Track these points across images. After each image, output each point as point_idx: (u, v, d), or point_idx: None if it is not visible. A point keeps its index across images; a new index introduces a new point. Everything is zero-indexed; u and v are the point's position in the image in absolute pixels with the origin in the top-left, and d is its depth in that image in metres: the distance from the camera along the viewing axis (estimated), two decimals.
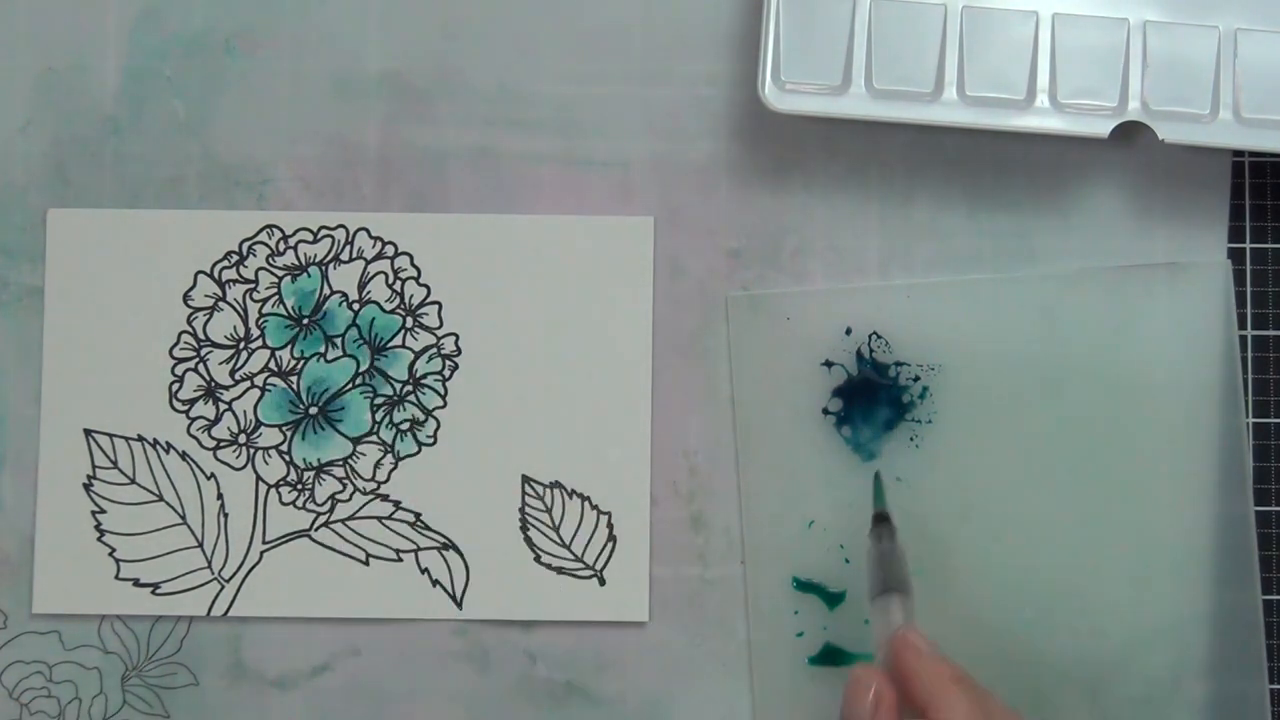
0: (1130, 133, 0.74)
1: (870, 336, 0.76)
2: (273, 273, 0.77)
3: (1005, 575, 0.75)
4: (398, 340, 0.77)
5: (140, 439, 0.76)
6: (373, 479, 0.76)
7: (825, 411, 0.76)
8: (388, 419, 0.77)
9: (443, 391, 0.77)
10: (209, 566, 0.76)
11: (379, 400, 0.77)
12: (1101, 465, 0.75)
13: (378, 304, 0.77)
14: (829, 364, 0.76)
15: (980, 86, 0.74)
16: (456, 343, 0.77)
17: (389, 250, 0.77)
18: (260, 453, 0.76)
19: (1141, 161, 0.77)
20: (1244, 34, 0.74)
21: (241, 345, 0.77)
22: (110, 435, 0.76)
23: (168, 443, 0.76)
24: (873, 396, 0.76)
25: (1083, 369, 0.75)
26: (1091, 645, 0.75)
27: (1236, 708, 0.75)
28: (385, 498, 0.76)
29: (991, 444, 0.76)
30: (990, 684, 0.74)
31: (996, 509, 0.75)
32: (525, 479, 0.76)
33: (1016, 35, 0.74)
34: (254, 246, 0.77)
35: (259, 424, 0.76)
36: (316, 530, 0.76)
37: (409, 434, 0.76)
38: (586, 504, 0.76)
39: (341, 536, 0.76)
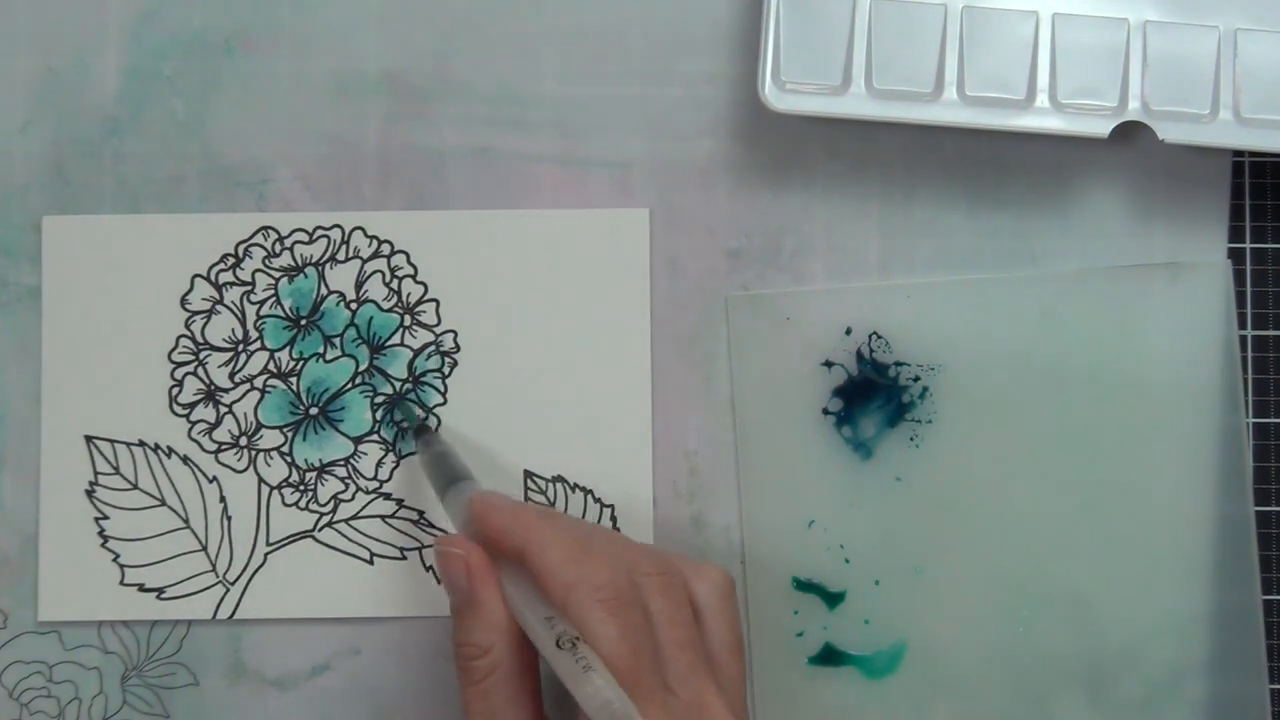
0: (1130, 133, 0.74)
1: (870, 336, 0.76)
2: (269, 274, 0.77)
3: (1005, 575, 0.75)
4: (396, 338, 0.77)
5: (141, 444, 0.76)
6: (375, 478, 0.76)
7: (825, 411, 0.76)
8: (388, 418, 0.76)
9: (443, 389, 0.77)
10: (213, 570, 0.76)
11: (379, 399, 0.76)
12: (1101, 465, 0.75)
13: (375, 303, 0.77)
14: (829, 364, 0.76)
15: (980, 86, 0.74)
16: (455, 339, 0.77)
17: (385, 249, 0.77)
18: (262, 454, 0.76)
19: (1141, 161, 0.77)
20: (1244, 34, 0.73)
21: (240, 348, 0.77)
22: (111, 441, 0.76)
23: (169, 447, 0.76)
24: (873, 396, 0.76)
25: (1083, 369, 0.75)
26: (1091, 645, 0.75)
27: (1236, 708, 0.75)
28: (388, 496, 0.76)
29: (991, 444, 0.76)
30: (990, 684, 0.75)
31: (996, 509, 0.75)
32: (527, 474, 0.76)
33: (1016, 35, 0.74)
34: (250, 249, 0.77)
35: (260, 426, 0.76)
36: (320, 531, 0.76)
37: (410, 432, 0.76)
38: (589, 497, 0.76)
39: (345, 536, 0.76)
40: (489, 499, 0.68)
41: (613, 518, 0.76)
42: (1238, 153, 0.77)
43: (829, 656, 0.76)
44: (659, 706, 0.63)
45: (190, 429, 0.76)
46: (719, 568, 0.69)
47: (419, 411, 0.76)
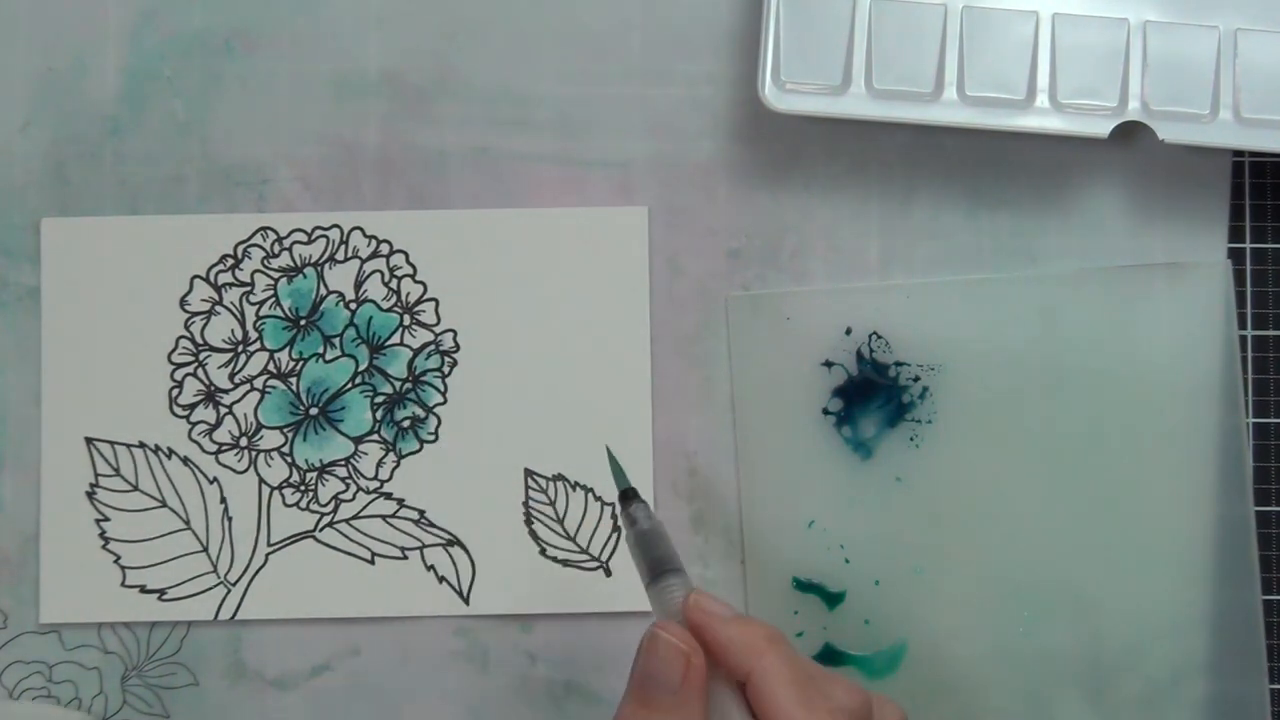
0: (1130, 133, 0.74)
1: (870, 336, 0.76)
2: (268, 275, 0.77)
3: (1005, 575, 0.75)
4: (396, 338, 0.77)
5: (142, 445, 0.76)
6: (375, 478, 0.76)
7: (825, 411, 0.76)
8: (388, 417, 0.77)
9: (442, 388, 0.77)
10: (215, 571, 0.76)
11: (379, 399, 0.77)
12: (1101, 465, 0.75)
13: (374, 303, 0.77)
14: (829, 364, 0.76)
15: (980, 86, 0.74)
16: (455, 339, 0.77)
17: (384, 249, 0.77)
18: (262, 455, 0.76)
19: (1141, 161, 0.77)
20: (1244, 34, 0.74)
21: (240, 348, 0.77)
22: (111, 443, 0.76)
23: (169, 448, 0.76)
24: (873, 396, 0.76)
25: (1083, 369, 0.75)
26: (1091, 645, 0.75)
27: (1236, 708, 0.75)
28: (388, 496, 0.76)
29: (991, 444, 0.76)
30: (990, 684, 0.75)
31: (996, 509, 0.75)
32: (528, 472, 0.76)
33: (1016, 35, 0.74)
34: (249, 249, 0.77)
35: (260, 426, 0.76)
36: (321, 531, 0.76)
37: (410, 431, 0.76)
38: (590, 495, 0.76)
39: (346, 536, 0.76)
40: (705, 605, 0.64)
41: (613, 516, 0.76)
42: (1238, 153, 0.77)
43: (829, 656, 0.76)
44: None
45: (190, 430, 0.76)
46: (898, 708, 0.65)
47: (627, 475, 0.70)
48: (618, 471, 0.69)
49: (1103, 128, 0.73)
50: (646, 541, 0.66)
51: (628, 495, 0.68)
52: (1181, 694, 0.75)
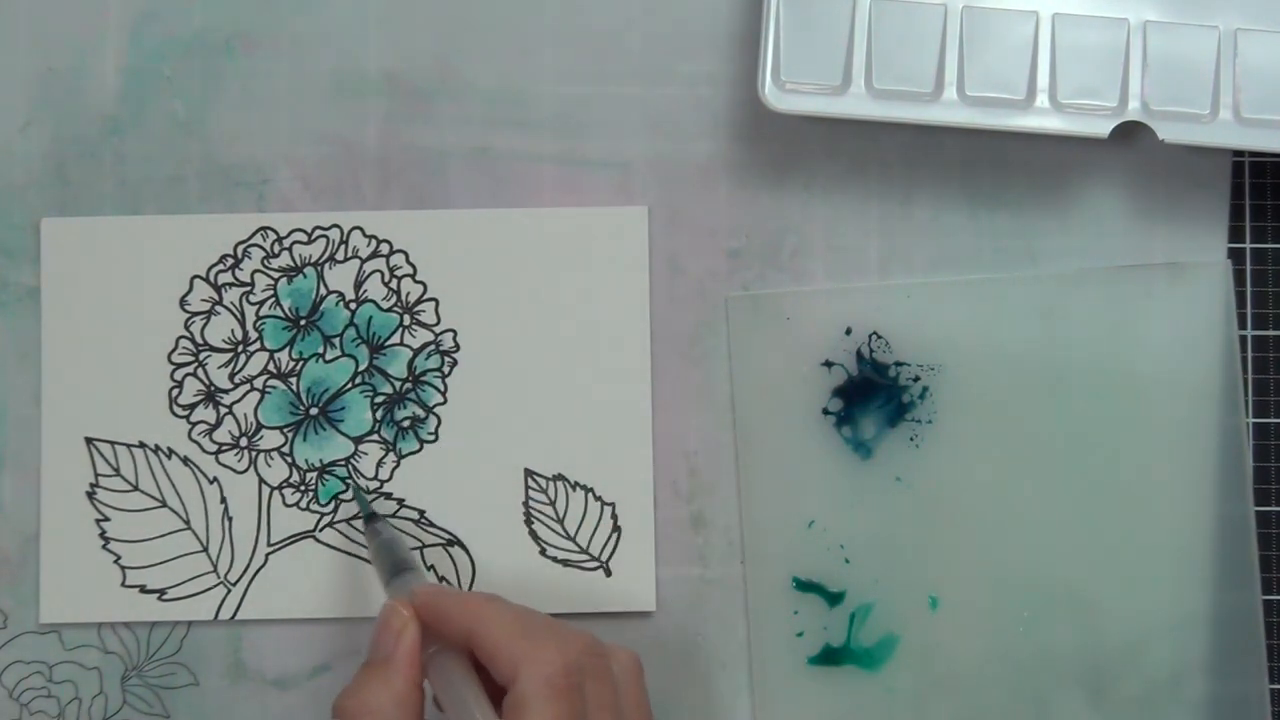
0: (1130, 133, 0.74)
1: (870, 336, 0.76)
2: (268, 275, 0.77)
3: (1005, 575, 0.75)
4: (396, 338, 0.77)
5: (142, 445, 0.76)
6: (375, 478, 0.76)
7: (825, 411, 0.76)
8: (388, 417, 0.77)
9: (442, 388, 0.77)
10: (215, 571, 0.76)
11: (379, 399, 0.76)
12: (1101, 465, 0.75)
13: (374, 302, 0.77)
14: (829, 364, 0.76)
15: (980, 86, 0.74)
16: (455, 339, 0.77)
17: (384, 248, 0.77)
18: (262, 455, 0.76)
19: (1141, 161, 0.77)
20: (1244, 34, 0.73)
21: (240, 348, 0.77)
22: (111, 443, 0.76)
23: (169, 448, 0.76)
24: (873, 396, 0.76)
25: (1083, 369, 0.75)
26: (1091, 645, 0.75)
27: (1236, 708, 0.75)
28: (388, 496, 0.76)
29: (991, 444, 0.76)
30: (990, 684, 0.75)
31: (996, 509, 0.75)
32: (528, 472, 0.76)
33: (1016, 35, 0.74)
34: (249, 249, 0.77)
35: (260, 426, 0.76)
36: (321, 531, 0.76)
37: (410, 431, 0.76)
38: (590, 495, 0.76)
39: (346, 536, 0.76)
40: (429, 588, 0.68)
41: (613, 515, 0.76)
42: (1238, 153, 0.77)
43: (829, 656, 0.76)
44: None
45: (190, 430, 0.76)
46: (630, 651, 0.68)
47: (368, 497, 0.76)
48: (361, 500, 0.75)
49: (1103, 128, 0.73)
50: (387, 547, 0.72)
51: (371, 517, 0.74)
52: (1181, 694, 0.75)
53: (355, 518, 0.76)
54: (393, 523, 0.76)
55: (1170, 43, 0.74)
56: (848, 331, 0.76)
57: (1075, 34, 0.74)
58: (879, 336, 0.76)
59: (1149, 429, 0.75)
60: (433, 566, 0.76)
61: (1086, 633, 0.75)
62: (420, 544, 0.76)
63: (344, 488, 0.76)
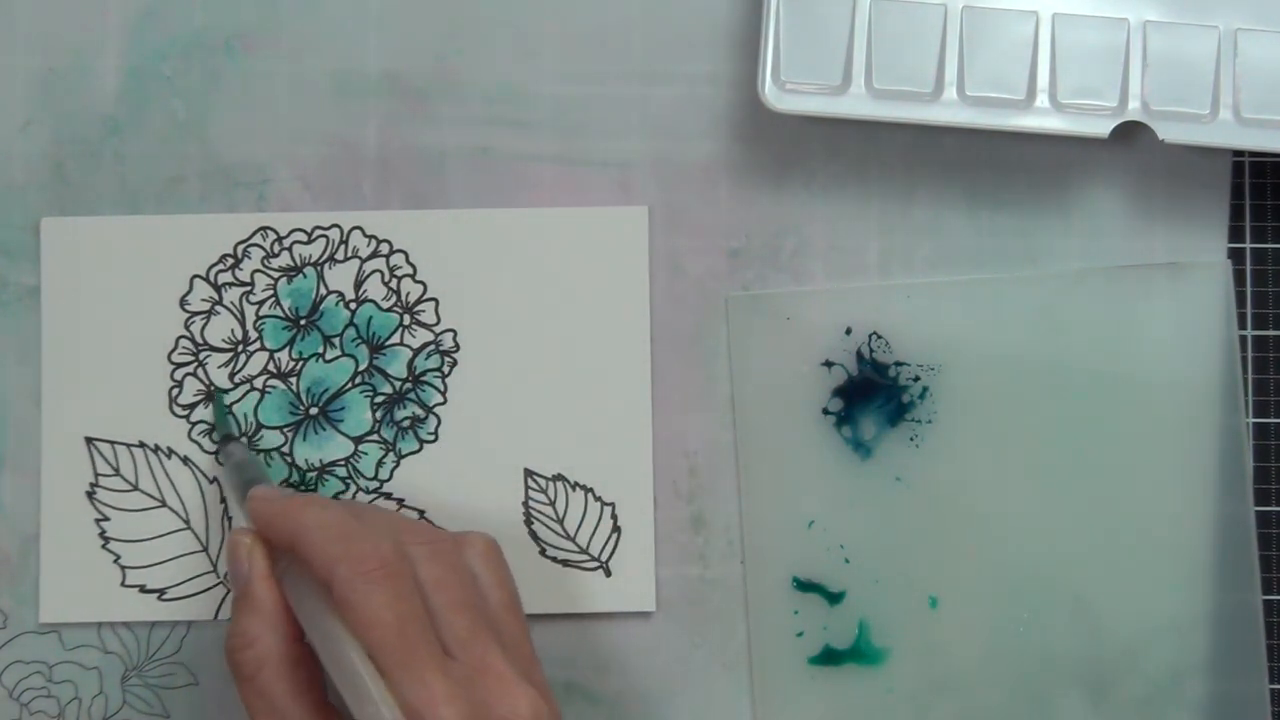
0: (1130, 133, 0.74)
1: (870, 336, 0.76)
2: (268, 274, 0.77)
3: (1005, 575, 0.75)
4: (396, 338, 0.77)
5: (141, 445, 0.76)
6: (375, 478, 0.76)
7: (825, 411, 0.76)
8: (388, 417, 0.76)
9: (442, 388, 0.77)
10: (214, 570, 0.76)
11: (379, 399, 0.76)
12: (1101, 465, 0.75)
13: (374, 302, 0.77)
14: (829, 364, 0.76)
15: (980, 86, 0.74)
16: (455, 338, 0.77)
17: (384, 248, 0.77)
18: (262, 455, 0.76)
19: (1141, 161, 0.77)
20: (1244, 34, 0.73)
21: (240, 348, 0.77)
22: (111, 443, 0.76)
23: (169, 448, 0.76)
24: (873, 396, 0.76)
25: (1083, 369, 0.75)
26: (1091, 645, 0.75)
27: (1236, 708, 0.75)
28: (389, 496, 0.76)
29: (991, 444, 0.76)
30: (990, 684, 0.75)
31: (996, 509, 0.75)
32: (528, 472, 0.76)
33: (1016, 35, 0.74)
34: (248, 249, 0.77)
35: (260, 426, 0.76)
36: None
37: (410, 431, 0.76)
38: (590, 495, 0.76)
39: None
40: (261, 492, 0.69)
41: (613, 515, 0.76)
42: (1238, 153, 0.77)
43: (829, 656, 0.76)
44: (438, 671, 0.62)
45: (190, 430, 0.76)
46: (482, 534, 0.69)
47: (231, 420, 0.76)
48: (220, 416, 0.75)
49: (1103, 128, 0.73)
50: (239, 469, 0.72)
51: (226, 438, 0.74)
52: (1181, 694, 0.75)
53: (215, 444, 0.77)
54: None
55: (1170, 43, 0.74)
56: (848, 331, 0.76)
57: (1075, 34, 0.74)
58: (879, 336, 0.76)
59: (1149, 429, 0.75)
60: None
61: (1087, 633, 0.75)
62: None
63: (215, 410, 0.76)
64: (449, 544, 0.67)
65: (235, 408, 0.76)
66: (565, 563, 0.76)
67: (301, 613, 0.66)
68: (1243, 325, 0.76)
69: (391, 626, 0.62)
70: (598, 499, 0.76)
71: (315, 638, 0.65)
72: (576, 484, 0.76)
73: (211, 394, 0.76)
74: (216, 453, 0.75)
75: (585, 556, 0.76)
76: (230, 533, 0.68)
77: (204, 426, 0.76)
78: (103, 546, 0.76)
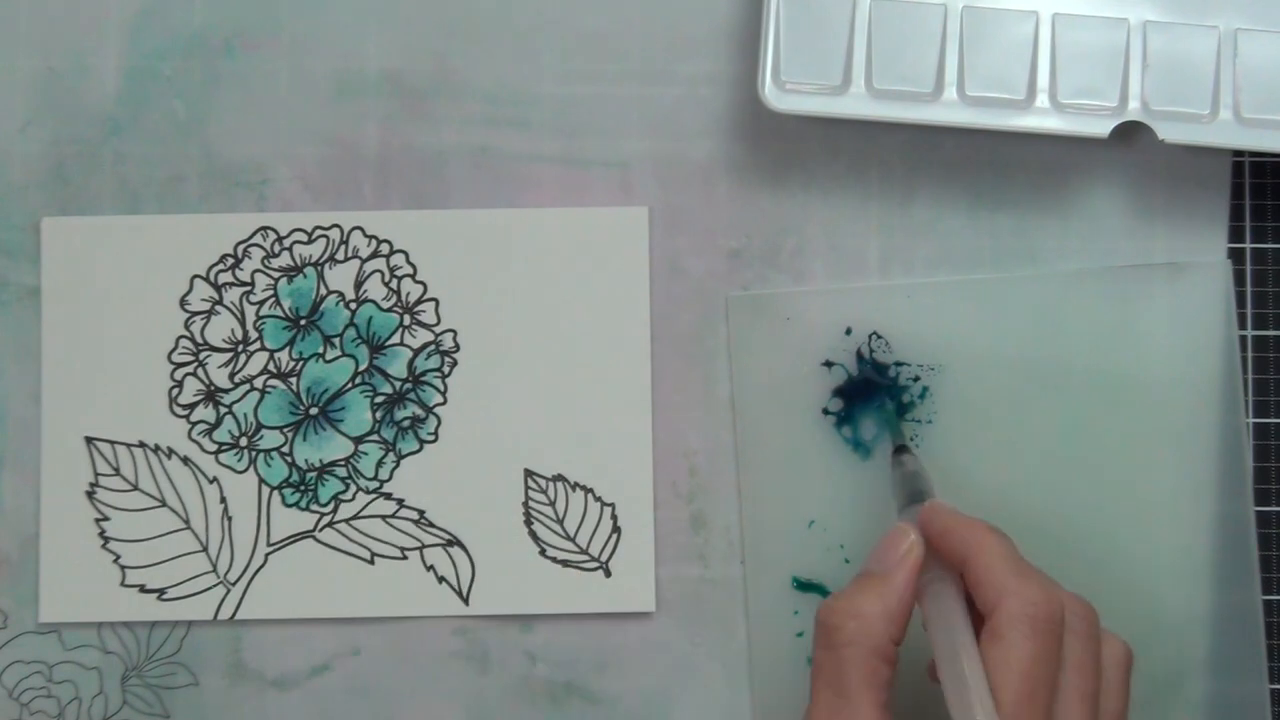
0: (1130, 133, 0.74)
1: (870, 336, 0.76)
2: (269, 274, 0.77)
3: None
4: (396, 338, 0.77)
5: (141, 445, 0.76)
6: (375, 478, 0.76)
7: (825, 411, 0.76)
8: (388, 417, 0.77)
9: (442, 388, 0.77)
10: (214, 570, 0.76)
11: (379, 399, 0.77)
12: (1101, 465, 0.75)
13: (374, 302, 0.77)
14: (829, 364, 0.76)
15: (980, 86, 0.74)
16: (455, 339, 0.77)
17: (384, 248, 0.77)
18: (262, 455, 0.76)
19: (1141, 161, 0.77)
20: (1244, 34, 0.74)
21: (240, 348, 0.77)
22: (111, 442, 0.76)
23: (169, 448, 0.76)
24: (873, 396, 0.76)
25: (1083, 369, 0.75)
26: None
27: (1236, 708, 0.75)
28: (388, 496, 0.76)
29: (991, 444, 0.76)
30: None
31: (996, 509, 0.75)
32: (528, 473, 0.76)
33: (1016, 35, 0.74)
34: (249, 249, 0.77)
35: (260, 426, 0.76)
36: (320, 531, 0.76)
37: (410, 431, 0.76)
38: (590, 496, 0.76)
39: (346, 536, 0.76)
40: (941, 505, 0.69)
41: (613, 516, 0.76)
42: (1238, 153, 0.77)
43: None
44: None
45: (190, 430, 0.76)
46: (1124, 641, 0.68)
47: (903, 430, 0.76)
48: (894, 428, 0.76)
49: (1103, 128, 0.73)
50: (910, 478, 0.72)
51: (901, 449, 0.74)
52: (1181, 694, 0.75)
53: (342, 516, 0.77)
54: (390, 521, 0.76)
55: (1170, 43, 0.74)
56: (848, 331, 0.76)
57: (1075, 34, 0.74)
58: (879, 336, 0.76)
59: (1149, 429, 0.75)
60: (432, 567, 0.76)
61: None
62: (420, 544, 0.76)
63: (888, 421, 0.76)
64: (1098, 630, 0.67)
65: (235, 407, 0.76)
66: (565, 563, 0.76)
67: (938, 625, 0.66)
68: (1243, 325, 0.76)
69: (1026, 680, 0.62)
70: (598, 499, 0.76)
71: (944, 654, 0.65)
72: (576, 484, 0.76)
73: (886, 411, 0.76)
74: (892, 458, 0.75)
75: (585, 557, 0.76)
76: (896, 525, 0.68)
77: (204, 426, 0.76)
78: (103, 546, 0.76)
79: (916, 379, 0.76)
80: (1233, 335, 0.76)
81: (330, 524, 0.76)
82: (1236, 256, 0.76)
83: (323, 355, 0.77)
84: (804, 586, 0.76)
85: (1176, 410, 0.75)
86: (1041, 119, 0.74)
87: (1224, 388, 0.76)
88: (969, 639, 0.64)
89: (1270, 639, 0.75)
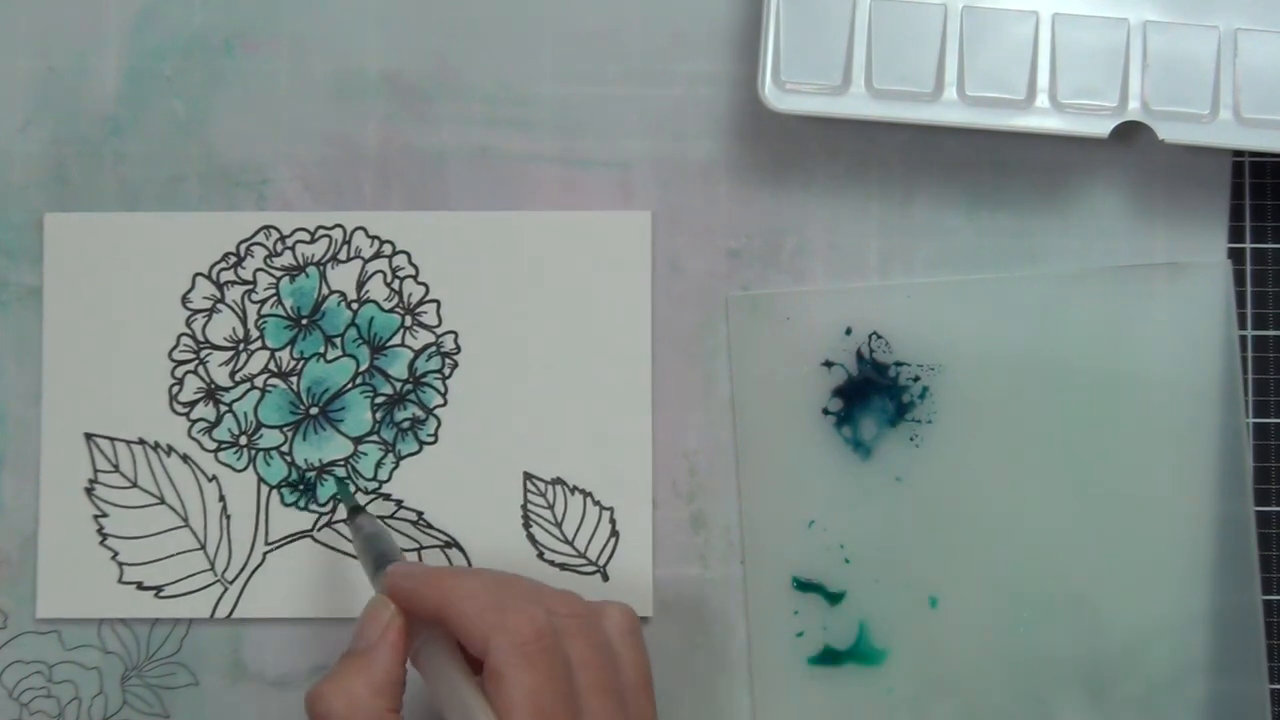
0: (1130, 133, 0.74)
1: (870, 336, 0.76)
2: (271, 273, 0.77)
3: (1005, 575, 0.75)
4: (397, 339, 0.77)
5: (141, 442, 0.76)
6: (374, 478, 0.76)
7: (825, 411, 0.76)
8: (388, 418, 0.77)
9: (443, 389, 0.77)
10: (212, 569, 0.76)
11: (379, 399, 0.76)
12: (1101, 465, 0.75)
13: (376, 303, 0.77)
14: (829, 364, 0.76)
15: (980, 86, 0.74)
16: (456, 340, 0.77)
17: (386, 249, 0.77)
18: (261, 454, 0.76)
19: (1141, 161, 0.77)
20: (1244, 34, 0.74)
21: (241, 347, 0.77)
22: (111, 439, 0.76)
23: (169, 445, 0.76)
24: (873, 396, 0.76)
25: (1083, 369, 0.75)
26: (1091, 645, 0.75)
27: (1236, 708, 0.75)
28: (387, 497, 0.76)
29: (991, 444, 0.76)
30: (990, 684, 0.75)
31: (996, 509, 0.75)
32: (527, 476, 0.76)
33: (1016, 35, 0.74)
34: (251, 247, 0.77)
35: (260, 425, 0.76)
36: (319, 531, 0.76)
37: (410, 433, 0.76)
38: (588, 500, 0.76)
39: (344, 537, 0.76)
40: (402, 567, 0.68)
41: (611, 520, 0.76)
42: (1238, 153, 0.77)
43: (829, 656, 0.75)
44: None
45: (190, 427, 0.76)
46: (623, 606, 0.68)
47: (354, 491, 0.76)
48: (345, 494, 0.75)
49: (1103, 128, 0.73)
50: (371, 541, 0.71)
51: (355, 510, 0.74)
52: (1181, 694, 0.75)
53: (341, 516, 0.77)
54: (388, 521, 0.76)
55: (1170, 43, 0.74)
56: (848, 331, 0.76)
57: (1075, 34, 0.74)
58: (879, 336, 0.76)
59: (1149, 429, 0.75)
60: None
61: (1087, 633, 0.75)
62: (418, 545, 0.76)
63: (338, 487, 0.76)
64: (592, 616, 0.67)
65: (236, 406, 0.76)
66: (563, 566, 0.76)
67: (439, 684, 0.66)
68: (1243, 325, 0.76)
69: (538, 711, 0.62)
70: (596, 503, 0.76)
71: (452, 709, 0.65)
72: (575, 488, 0.76)
73: (334, 475, 0.77)
74: (347, 522, 0.74)
75: (583, 561, 0.76)
76: (372, 598, 0.68)
77: (204, 425, 0.76)
78: (101, 543, 0.76)
79: (916, 379, 0.76)
80: (1233, 335, 0.76)
81: (329, 524, 0.76)
82: (1236, 256, 0.76)
83: (324, 355, 0.77)
84: (804, 586, 0.76)
85: (1176, 410, 0.75)
86: (1041, 119, 0.74)
87: (1224, 388, 0.75)
88: (471, 690, 0.64)
89: (1270, 639, 0.75)
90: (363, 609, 0.68)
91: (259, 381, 0.77)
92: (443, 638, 0.66)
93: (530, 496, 0.76)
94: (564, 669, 0.64)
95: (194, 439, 0.76)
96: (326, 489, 0.76)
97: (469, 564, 0.76)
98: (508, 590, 0.66)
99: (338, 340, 0.77)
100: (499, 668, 0.63)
